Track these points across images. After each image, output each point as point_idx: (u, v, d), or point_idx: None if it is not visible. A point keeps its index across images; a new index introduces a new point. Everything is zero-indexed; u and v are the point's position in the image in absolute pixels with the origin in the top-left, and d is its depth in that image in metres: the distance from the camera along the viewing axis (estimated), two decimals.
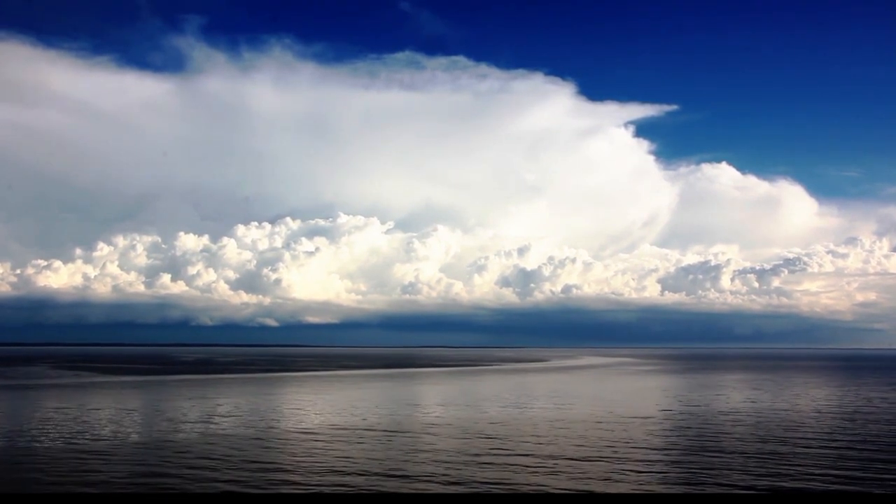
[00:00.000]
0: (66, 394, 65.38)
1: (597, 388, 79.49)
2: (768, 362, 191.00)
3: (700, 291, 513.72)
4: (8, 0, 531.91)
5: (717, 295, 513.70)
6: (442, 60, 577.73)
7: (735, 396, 65.90)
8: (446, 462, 29.75)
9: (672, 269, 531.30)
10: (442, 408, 53.01)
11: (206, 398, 60.85)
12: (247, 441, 35.42)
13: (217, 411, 49.38)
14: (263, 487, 24.94)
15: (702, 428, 41.13)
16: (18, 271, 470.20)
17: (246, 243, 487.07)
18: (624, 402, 59.60)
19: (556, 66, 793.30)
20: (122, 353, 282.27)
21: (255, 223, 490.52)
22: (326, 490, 24.61)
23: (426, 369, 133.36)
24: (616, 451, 32.43)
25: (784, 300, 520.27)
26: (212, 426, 41.08)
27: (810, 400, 61.77)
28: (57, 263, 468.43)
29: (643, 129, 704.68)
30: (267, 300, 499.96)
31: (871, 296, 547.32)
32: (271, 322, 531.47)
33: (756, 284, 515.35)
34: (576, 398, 63.34)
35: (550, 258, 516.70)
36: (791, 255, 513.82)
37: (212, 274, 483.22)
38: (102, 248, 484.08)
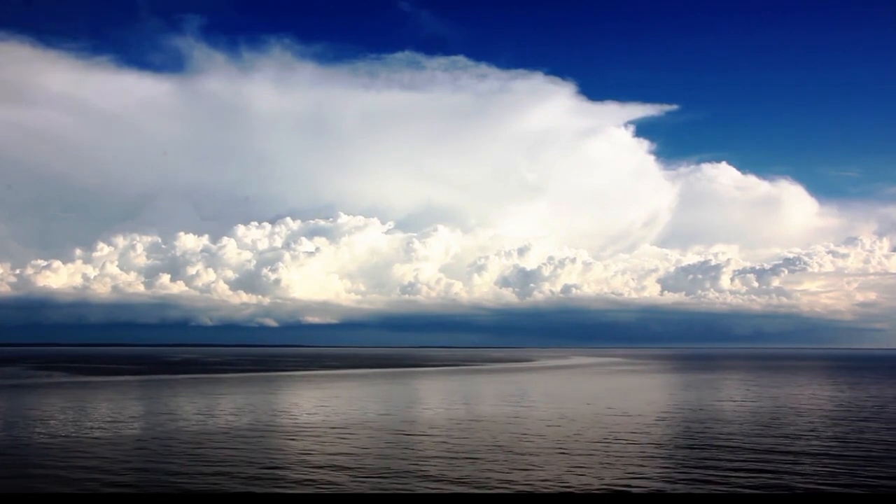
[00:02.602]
0: (18, 394, 66.00)
1: (559, 388, 79.89)
2: (760, 362, 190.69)
3: (700, 291, 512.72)
4: (8, 0, 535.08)
5: (717, 295, 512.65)
6: (442, 60, 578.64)
7: (685, 395, 66.11)
8: (337, 455, 30.23)
9: (672, 269, 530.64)
10: (382, 407, 53.43)
11: (156, 398, 61.48)
12: (154, 441, 35.88)
13: (151, 410, 49.91)
14: (140, 487, 25.38)
15: (619, 427, 41.39)
16: (18, 271, 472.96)
17: (246, 243, 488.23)
18: (572, 401, 59.88)
19: (556, 66, 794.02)
20: (113, 353, 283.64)
21: (255, 223, 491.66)
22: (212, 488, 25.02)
23: (407, 369, 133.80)
24: (511, 448, 32.82)
25: (784, 300, 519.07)
26: (129, 426, 41.58)
27: (753, 400, 61.91)
28: (56, 263, 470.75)
29: (643, 129, 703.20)
30: (266, 300, 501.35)
31: (872, 296, 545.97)
32: (271, 322, 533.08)
33: (756, 284, 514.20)
34: (526, 398, 63.76)
35: (550, 258, 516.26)
36: (791, 255, 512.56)
37: (211, 274, 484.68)
38: (102, 249, 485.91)
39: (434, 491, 24.30)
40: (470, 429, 40.26)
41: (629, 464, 29.37)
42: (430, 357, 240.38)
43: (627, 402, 59.26)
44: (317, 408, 52.72)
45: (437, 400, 61.62)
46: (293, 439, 36.20)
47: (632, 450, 32.94)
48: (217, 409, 51.46)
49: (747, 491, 24.66)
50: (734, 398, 63.07)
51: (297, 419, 44.88)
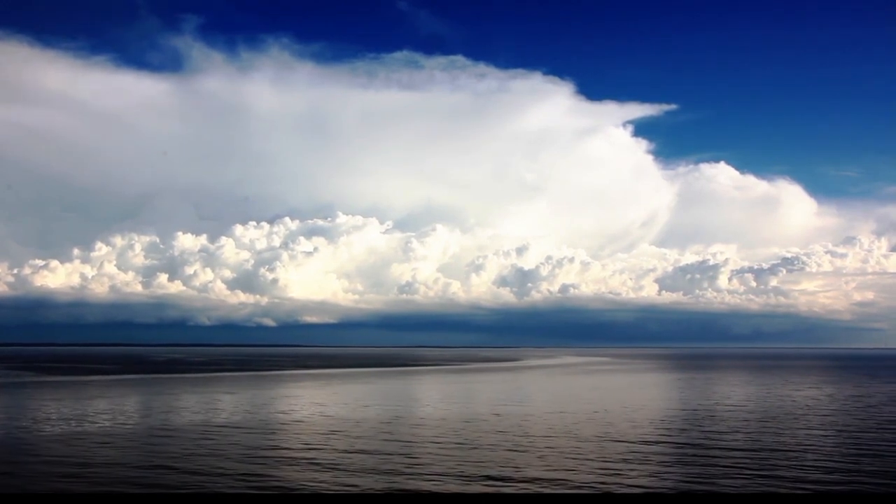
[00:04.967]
0: None
1: (520, 388, 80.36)
2: (750, 362, 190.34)
3: (697, 291, 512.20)
4: (6, 0, 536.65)
5: (715, 294, 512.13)
6: (440, 60, 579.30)
7: (641, 395, 66.41)
8: (222, 455, 30.64)
9: (670, 269, 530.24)
10: (321, 407, 53.84)
11: (101, 398, 62.00)
12: (55, 438, 36.30)
13: (89, 410, 50.32)
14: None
15: (544, 425, 41.71)
16: (16, 271, 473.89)
17: (244, 243, 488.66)
18: (521, 400, 60.26)
19: (555, 66, 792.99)
20: (102, 353, 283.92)
21: (254, 223, 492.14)
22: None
23: (387, 369, 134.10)
24: (417, 445, 33.20)
25: (782, 300, 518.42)
26: (53, 425, 42.00)
27: (704, 398, 62.16)
28: (54, 263, 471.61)
29: (642, 129, 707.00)
30: (264, 300, 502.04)
31: (870, 295, 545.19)
32: (269, 322, 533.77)
33: (754, 284, 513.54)
34: (475, 397, 64.19)
35: (548, 258, 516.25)
36: (789, 255, 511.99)
37: (209, 274, 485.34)
38: (101, 248, 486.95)
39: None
40: (393, 427, 40.63)
41: (525, 459, 29.70)
42: (420, 357, 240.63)
43: (577, 400, 59.66)
44: (254, 407, 53.14)
45: (386, 399, 62.10)
46: (194, 439, 36.57)
47: (537, 444, 33.35)
48: (154, 408, 51.91)
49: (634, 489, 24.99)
50: (686, 398, 63.31)
51: (213, 418, 45.24)
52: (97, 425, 40.63)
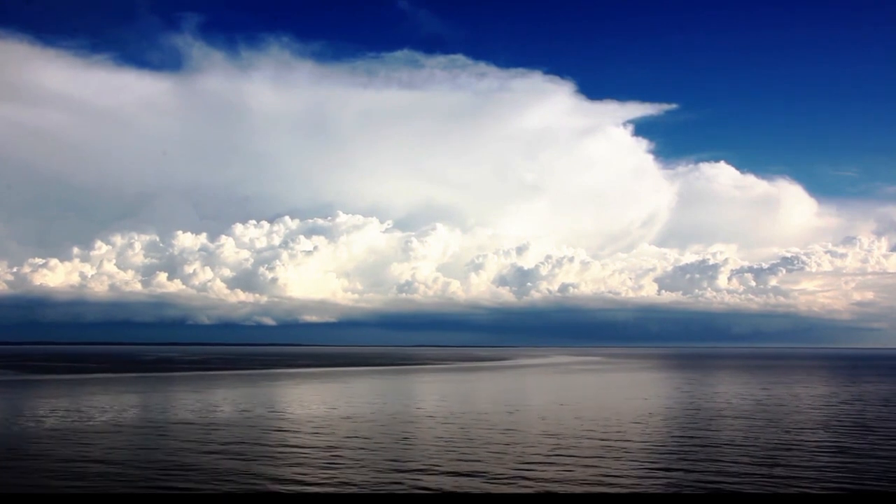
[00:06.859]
0: None
1: (492, 387, 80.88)
2: (741, 361, 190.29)
3: (697, 291, 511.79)
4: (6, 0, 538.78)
5: (715, 294, 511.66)
6: (440, 59, 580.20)
7: (605, 394, 66.82)
8: (150, 449, 31.22)
9: (669, 269, 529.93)
10: (274, 406, 54.39)
11: (71, 397, 62.69)
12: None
13: (46, 408, 50.97)
14: None
15: (494, 422, 42.25)
16: (15, 269, 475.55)
17: (244, 242, 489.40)
18: (481, 399, 60.78)
19: (555, 65, 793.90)
20: (95, 351, 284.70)
21: (254, 222, 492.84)
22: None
23: (371, 368, 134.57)
24: (339, 443, 33.70)
25: (782, 299, 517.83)
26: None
27: (666, 398, 62.60)
28: (54, 262, 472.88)
29: (642, 128, 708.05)
30: (264, 299, 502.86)
31: (869, 295, 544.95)
32: (268, 321, 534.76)
33: (753, 284, 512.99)
34: (435, 397, 64.71)
35: (548, 257, 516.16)
36: (789, 255, 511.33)
37: (209, 272, 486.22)
38: (100, 247, 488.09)
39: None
40: (336, 424, 41.26)
41: (449, 455, 30.24)
42: (414, 356, 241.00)
43: (539, 399, 60.18)
44: (213, 405, 53.75)
45: (348, 398, 62.66)
46: (129, 436, 37.16)
47: (472, 441, 33.86)
48: (112, 407, 52.55)
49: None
50: (649, 396, 63.78)
51: (160, 415, 45.83)
52: (42, 423, 41.24)
